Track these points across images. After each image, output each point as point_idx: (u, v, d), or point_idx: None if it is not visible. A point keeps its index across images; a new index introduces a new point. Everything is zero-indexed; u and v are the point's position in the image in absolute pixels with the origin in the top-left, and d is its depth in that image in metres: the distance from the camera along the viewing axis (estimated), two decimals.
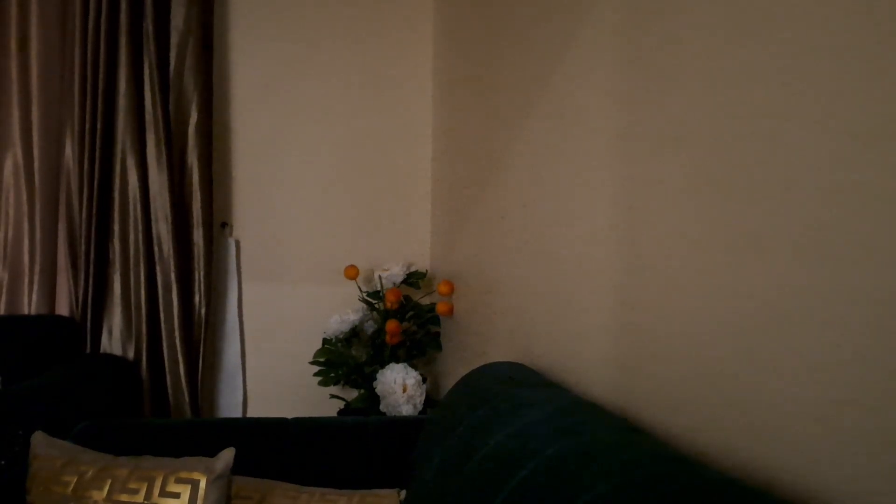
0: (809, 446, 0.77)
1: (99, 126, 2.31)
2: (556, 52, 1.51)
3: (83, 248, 2.34)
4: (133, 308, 2.36)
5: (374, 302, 2.48)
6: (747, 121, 0.88)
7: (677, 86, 1.04)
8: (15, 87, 2.39)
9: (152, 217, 2.36)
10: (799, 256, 0.78)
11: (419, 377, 2.22)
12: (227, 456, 1.37)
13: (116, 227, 2.36)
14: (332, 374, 2.39)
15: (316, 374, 2.40)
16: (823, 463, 0.75)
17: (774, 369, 0.82)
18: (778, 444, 0.81)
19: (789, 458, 0.79)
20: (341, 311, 2.46)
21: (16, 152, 2.40)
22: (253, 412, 2.60)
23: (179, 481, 1.32)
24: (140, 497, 1.30)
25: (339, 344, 2.44)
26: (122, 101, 2.33)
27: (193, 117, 2.40)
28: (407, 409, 2.18)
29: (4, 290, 2.40)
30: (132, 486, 1.32)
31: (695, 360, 0.98)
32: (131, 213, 2.36)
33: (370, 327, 2.50)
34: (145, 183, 2.35)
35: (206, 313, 2.42)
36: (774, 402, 0.82)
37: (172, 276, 2.35)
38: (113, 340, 2.37)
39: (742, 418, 0.88)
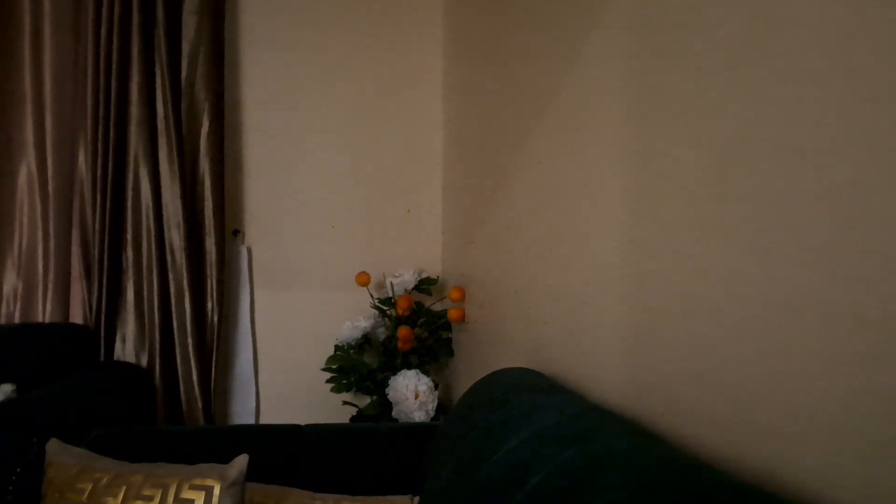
0: (820, 451, 0.76)
1: (112, 135, 2.33)
2: (565, 60, 1.51)
3: (97, 256, 2.35)
4: (146, 316, 2.38)
5: (385, 308, 2.48)
6: (758, 119, 0.88)
7: (687, 91, 1.04)
8: (28, 97, 2.41)
9: (165, 225, 2.37)
10: (808, 260, 0.78)
11: (431, 383, 2.22)
12: (240, 463, 1.37)
13: (129, 236, 2.37)
14: (345, 381, 2.39)
15: (328, 381, 2.40)
16: (834, 467, 0.74)
17: (785, 373, 0.82)
18: (789, 448, 0.81)
19: (801, 463, 0.79)
20: (353, 317, 2.46)
21: (29, 162, 2.42)
22: (266, 419, 2.61)
23: (193, 488, 1.32)
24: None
25: (352, 350, 2.45)
26: (135, 110, 2.34)
27: (205, 126, 2.41)
28: (419, 416, 2.18)
29: (19, 298, 2.42)
30: (146, 492, 1.32)
31: (706, 366, 0.98)
32: (144, 222, 2.37)
33: (382, 334, 2.50)
34: (158, 191, 2.36)
35: (219, 321, 2.43)
36: (785, 407, 0.82)
37: (185, 283, 2.36)
38: (126, 348, 2.38)
39: (753, 423, 0.87)
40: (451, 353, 2.51)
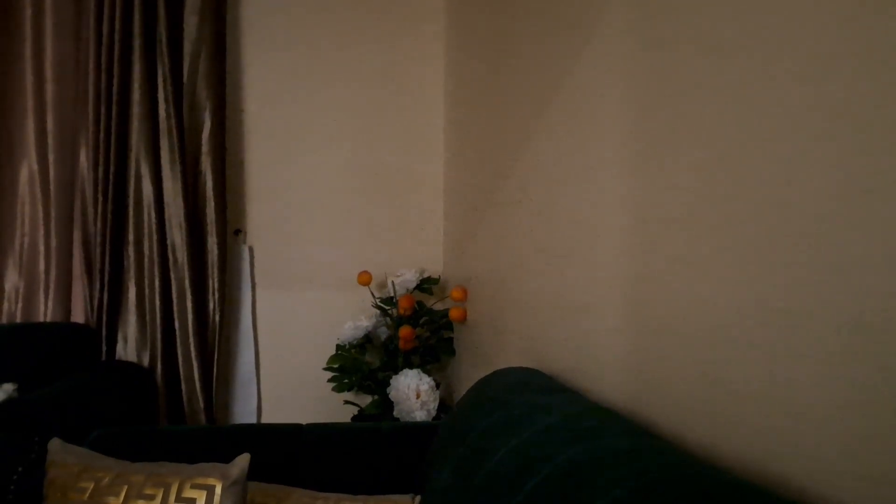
0: (818, 449, 0.76)
1: (113, 134, 2.33)
2: (568, 58, 1.51)
3: (98, 255, 2.36)
4: (148, 315, 2.38)
5: (387, 308, 2.48)
6: (760, 121, 0.88)
7: (688, 92, 1.04)
8: (30, 97, 2.41)
9: (166, 224, 2.37)
10: (807, 260, 0.78)
11: (432, 383, 2.22)
12: (242, 462, 1.37)
13: (131, 235, 2.37)
14: (346, 381, 2.39)
15: (330, 381, 2.40)
16: (831, 465, 0.74)
17: (786, 374, 0.81)
18: (788, 448, 0.81)
19: (800, 462, 0.79)
20: (355, 317, 2.47)
21: (31, 161, 2.42)
22: (267, 418, 2.61)
23: (195, 487, 1.32)
24: (156, 503, 1.30)
25: (353, 350, 2.45)
26: (136, 110, 2.34)
27: (207, 125, 2.41)
28: (420, 415, 2.18)
29: (20, 297, 2.42)
30: (148, 491, 1.32)
31: (707, 366, 0.98)
32: (145, 221, 2.37)
33: (383, 333, 2.50)
34: (159, 190, 2.37)
35: (220, 320, 2.43)
36: (786, 407, 0.81)
37: (187, 283, 2.36)
38: (128, 347, 2.38)
39: (754, 422, 0.87)
40: (452, 353, 2.51)
